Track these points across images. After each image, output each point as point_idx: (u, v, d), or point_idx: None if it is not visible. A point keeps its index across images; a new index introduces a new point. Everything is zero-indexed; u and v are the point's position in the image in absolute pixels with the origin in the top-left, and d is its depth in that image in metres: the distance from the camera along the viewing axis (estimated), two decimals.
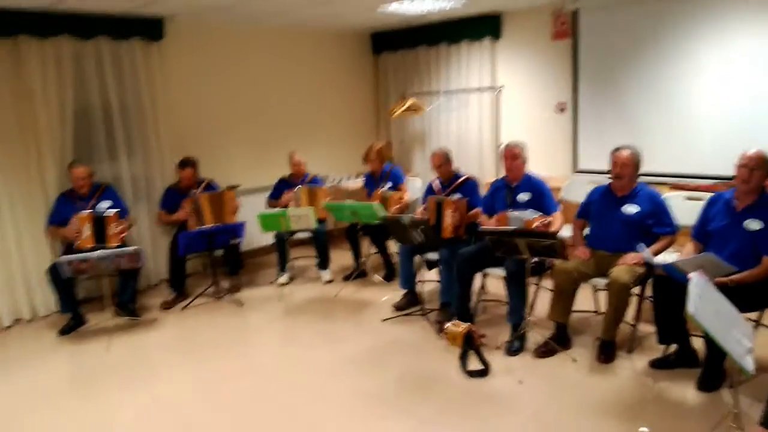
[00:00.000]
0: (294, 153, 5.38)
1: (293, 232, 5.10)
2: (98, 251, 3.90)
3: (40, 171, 4.45)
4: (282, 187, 5.37)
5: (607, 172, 3.56)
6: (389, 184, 5.11)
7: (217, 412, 3.05)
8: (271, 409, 3.05)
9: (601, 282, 3.46)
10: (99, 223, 4.22)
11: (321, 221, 5.02)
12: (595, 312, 4.01)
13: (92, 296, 4.72)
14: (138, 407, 3.15)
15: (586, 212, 3.75)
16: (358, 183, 5.85)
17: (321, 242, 5.14)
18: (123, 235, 4.33)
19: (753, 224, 2.96)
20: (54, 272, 4.06)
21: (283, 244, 5.13)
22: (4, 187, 4.30)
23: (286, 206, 5.09)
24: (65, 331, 4.20)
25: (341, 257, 5.69)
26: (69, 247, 4.28)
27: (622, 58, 4.97)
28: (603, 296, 3.47)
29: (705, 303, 2.21)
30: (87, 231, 4.17)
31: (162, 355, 3.92)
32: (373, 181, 5.24)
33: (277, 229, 4.80)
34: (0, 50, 4.20)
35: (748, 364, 2.14)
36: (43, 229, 4.46)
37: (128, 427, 2.97)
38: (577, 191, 4.59)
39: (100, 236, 4.22)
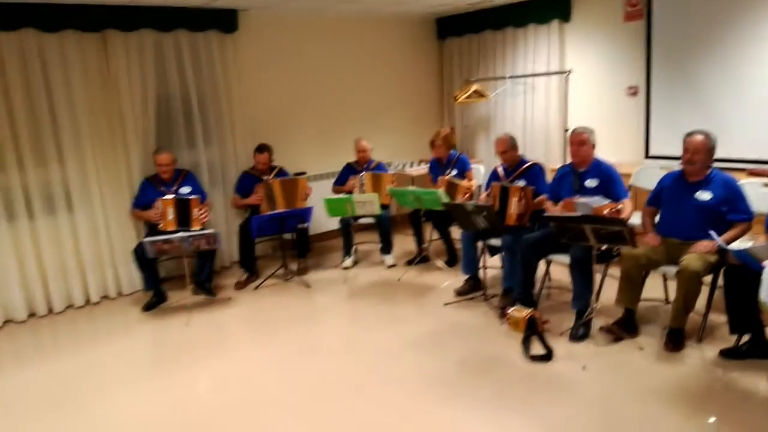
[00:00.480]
0: (360, 139, 5.50)
1: (358, 217, 5.24)
2: (179, 233, 4.18)
3: (126, 156, 4.79)
4: (347, 172, 5.52)
5: (680, 158, 3.45)
6: (455, 171, 5.13)
7: (287, 385, 3.23)
8: (337, 386, 3.20)
9: (671, 270, 3.38)
10: (183, 207, 4.50)
11: (385, 207, 5.11)
12: (664, 301, 3.91)
13: (172, 275, 5.06)
14: (214, 379, 3.38)
15: (657, 199, 3.65)
16: (422, 169, 5.91)
17: (384, 227, 5.25)
18: (205, 219, 4.60)
19: None
20: (139, 252, 4.38)
21: (348, 229, 5.27)
22: (94, 171, 4.64)
23: (351, 192, 5.23)
24: (148, 307, 4.52)
25: (404, 242, 5.79)
26: (152, 229, 4.59)
27: (698, 39, 4.75)
28: (673, 285, 3.39)
29: None
30: (170, 214, 4.46)
31: (236, 331, 4.16)
32: (438, 167, 5.27)
33: (343, 214, 4.94)
34: (89, 44, 4.52)
35: None
36: (127, 212, 4.80)
37: (205, 398, 3.20)
38: (648, 178, 4.48)
39: (184, 219, 4.49)
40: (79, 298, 4.69)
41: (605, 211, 3.41)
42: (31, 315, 4.52)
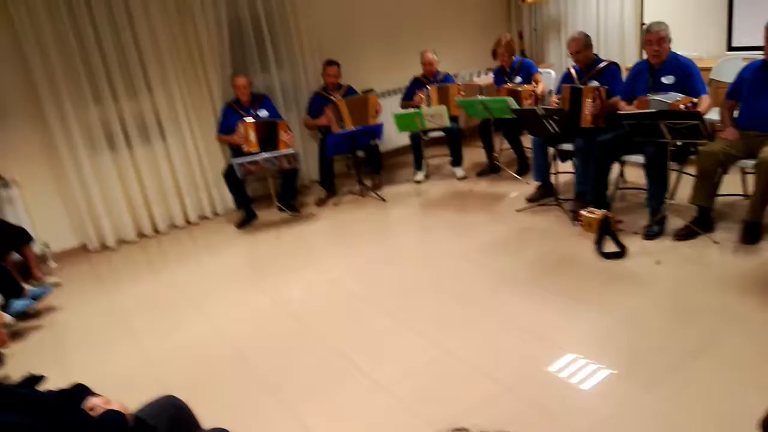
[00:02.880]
0: (425, 51, 5.49)
1: (427, 131, 5.34)
2: (264, 154, 4.48)
3: (207, 84, 5.08)
4: (414, 86, 5.57)
5: (764, 48, 3.29)
6: (519, 78, 5.08)
7: (372, 286, 3.54)
8: (417, 285, 3.48)
9: (749, 163, 3.33)
10: (270, 130, 4.77)
11: (454, 119, 5.18)
12: (743, 195, 3.86)
13: (259, 195, 5.44)
14: (306, 283, 3.75)
15: (737, 91, 3.54)
16: (489, 78, 5.86)
17: (454, 139, 5.34)
18: (291, 141, 4.87)
19: None
20: (229, 173, 4.74)
21: (419, 143, 5.41)
22: (180, 99, 4.97)
23: (418, 106, 5.31)
24: (241, 224, 4.94)
25: (474, 155, 5.87)
26: (236, 152, 4.92)
27: None
28: (751, 180, 3.35)
29: None
30: (251, 136, 4.75)
31: (322, 243, 4.50)
32: (502, 76, 5.23)
33: (413, 129, 5.06)
34: None
35: None
36: (214, 137, 5.15)
37: (299, 298, 3.58)
38: (729, 71, 4.27)
39: (271, 141, 4.77)
40: (180, 218, 5.18)
41: (681, 106, 3.35)
42: (141, 235, 5.06)
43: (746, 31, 4.77)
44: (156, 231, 5.10)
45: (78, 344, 3.37)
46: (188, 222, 5.25)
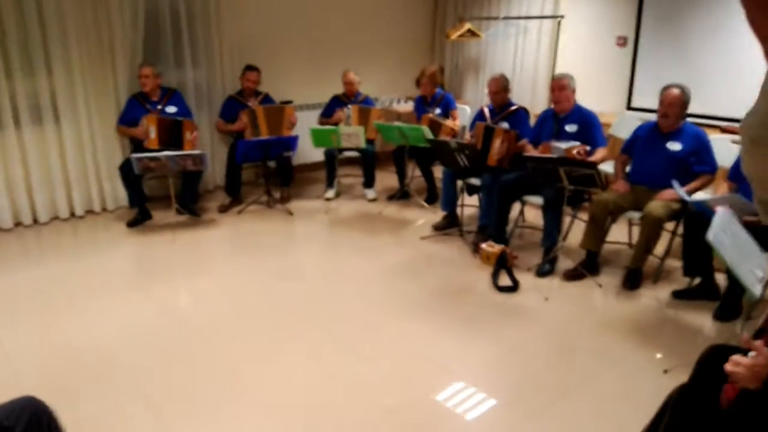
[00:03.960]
0: (348, 71, 5.51)
1: (342, 150, 5.32)
2: (166, 152, 4.24)
3: (113, 72, 4.76)
4: (334, 104, 5.55)
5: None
6: (438, 110, 5.21)
7: (265, 302, 3.41)
8: (315, 302, 3.39)
9: (636, 215, 3.58)
10: (175, 128, 4.53)
11: (370, 141, 5.20)
12: (627, 244, 4.15)
13: (157, 195, 5.14)
14: (197, 293, 3.55)
15: (630, 147, 3.82)
16: (408, 106, 5.97)
17: (368, 161, 5.36)
18: (196, 142, 4.64)
19: None
20: (125, 168, 4.44)
21: (333, 161, 5.37)
22: (81, 83, 4.61)
23: (337, 124, 5.29)
24: (133, 223, 4.62)
25: (387, 179, 5.92)
26: (137, 146, 4.63)
27: None
28: (637, 230, 3.60)
29: (725, 233, 2.34)
30: (153, 132, 4.49)
31: (219, 251, 4.30)
32: (423, 105, 5.34)
33: (328, 146, 5.02)
34: None
35: (757, 290, 2.29)
36: (113, 128, 4.82)
37: (186, 309, 3.37)
38: (626, 128, 4.61)
39: (175, 139, 4.53)
40: (64, 210, 4.76)
41: (574, 152, 3.56)
42: (17, 224, 4.60)
43: (644, 93, 5.20)
44: (35, 221, 4.66)
45: None
46: (73, 215, 4.84)
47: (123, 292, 3.51)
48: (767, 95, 0.17)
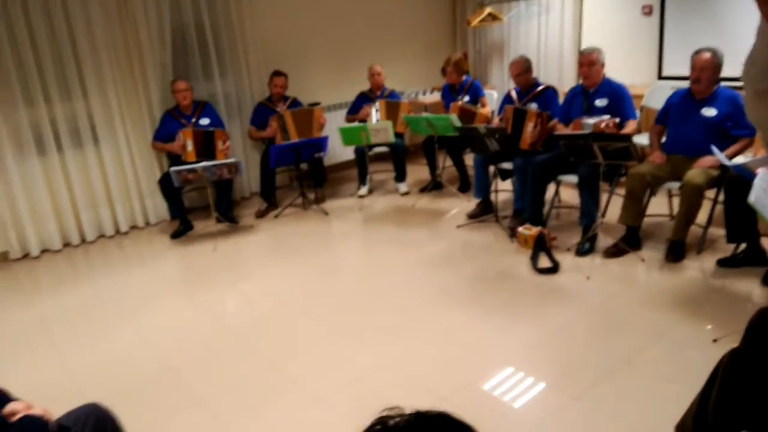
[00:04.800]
0: (373, 65, 5.54)
1: (372, 146, 5.36)
2: (202, 162, 4.36)
3: (146, 89, 4.91)
4: (361, 101, 5.59)
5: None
6: (467, 98, 5.18)
7: (309, 300, 3.48)
8: (357, 296, 3.44)
9: (675, 185, 3.50)
10: (207, 139, 4.66)
11: (399, 135, 5.22)
12: (669, 216, 4.05)
13: (195, 206, 5.29)
14: (243, 296, 3.65)
15: (664, 117, 3.73)
16: (435, 97, 5.96)
17: (398, 156, 5.37)
18: (228, 150, 4.76)
19: None
20: (164, 182, 4.58)
21: (363, 158, 5.41)
22: (116, 104, 4.78)
23: (364, 120, 5.33)
24: (176, 235, 4.77)
25: (418, 171, 5.93)
26: (174, 160, 4.77)
27: None
28: (677, 201, 3.52)
29: None
30: (189, 146, 4.62)
31: (260, 255, 4.40)
32: (450, 94, 5.32)
33: (358, 143, 5.06)
34: None
35: None
36: (149, 144, 4.97)
37: (234, 312, 3.47)
38: (659, 98, 4.49)
39: (208, 150, 4.66)
40: (109, 227, 4.95)
41: (602, 125, 3.50)
42: (66, 244, 4.80)
43: (675, 62, 5.05)
44: (83, 240, 4.85)
45: None
46: (118, 231, 5.02)
47: (171, 301, 3.64)
48: (763, 44, 0.17)
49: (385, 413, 0.86)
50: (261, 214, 5.16)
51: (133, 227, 5.12)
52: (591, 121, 3.60)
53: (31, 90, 4.38)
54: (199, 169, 4.29)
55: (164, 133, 4.83)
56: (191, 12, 5.04)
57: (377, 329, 3.03)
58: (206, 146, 4.66)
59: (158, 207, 5.11)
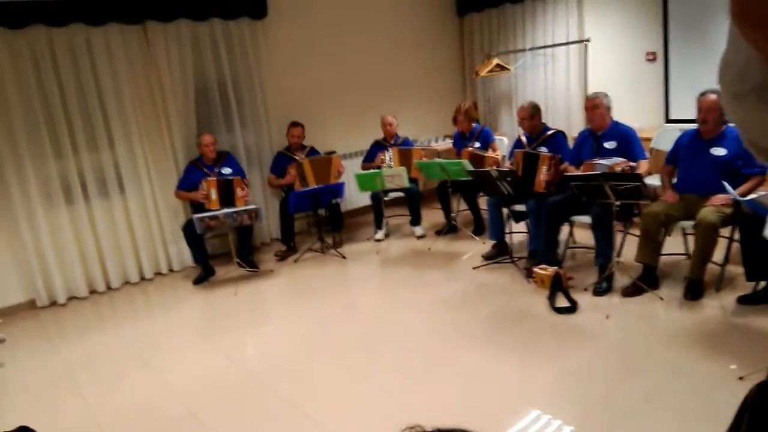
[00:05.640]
0: (385, 115, 5.73)
1: (388, 192, 5.49)
2: (224, 209, 4.50)
3: (171, 140, 5.13)
4: (375, 149, 5.76)
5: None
6: (478, 144, 5.33)
7: (330, 340, 3.53)
8: (376, 339, 3.48)
9: (689, 224, 3.55)
10: (227, 187, 4.82)
11: (413, 181, 5.35)
12: (685, 255, 4.08)
13: (217, 253, 5.41)
14: (266, 338, 3.71)
15: (674, 157, 3.82)
16: (447, 144, 6.12)
17: (413, 200, 5.49)
18: (247, 197, 4.92)
19: None
20: (188, 228, 4.72)
21: (379, 203, 5.53)
22: (141, 155, 4.99)
23: (379, 167, 5.48)
24: (198, 281, 4.87)
25: (433, 215, 6.03)
26: (197, 208, 4.92)
27: (712, 2, 4.84)
28: (692, 240, 3.57)
29: None
30: (214, 194, 4.78)
31: (281, 298, 4.48)
32: (462, 141, 5.48)
33: (373, 189, 5.19)
34: (131, 35, 4.86)
35: None
36: (173, 193, 5.14)
37: (258, 354, 3.52)
38: (667, 140, 4.59)
39: (228, 198, 4.82)
40: (134, 274, 5.07)
41: (618, 168, 3.59)
42: (92, 292, 4.91)
43: (681, 106, 5.19)
44: (108, 287, 4.97)
45: (20, 400, 3.20)
46: (143, 278, 5.14)
47: (194, 346, 3.70)
48: (735, 47, 0.22)
49: (406, 431, 0.92)
50: (281, 258, 5.26)
51: (158, 273, 5.24)
52: (606, 162, 3.69)
53: (60, 143, 4.61)
54: (221, 216, 4.43)
55: (188, 182, 5.00)
56: (213, 67, 5.30)
57: (397, 371, 3.07)
58: (226, 194, 4.82)
59: (182, 254, 5.24)
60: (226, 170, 5.06)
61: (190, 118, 5.20)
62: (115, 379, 3.35)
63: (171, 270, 5.29)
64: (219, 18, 5.22)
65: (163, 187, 5.13)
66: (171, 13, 4.94)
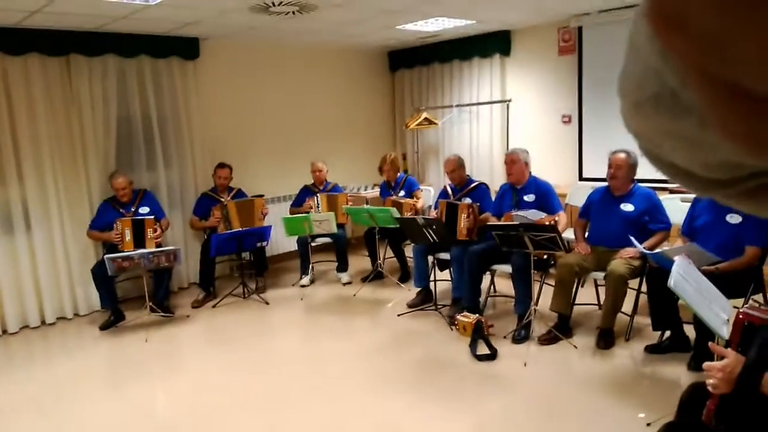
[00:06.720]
0: (315, 161, 5.75)
1: (315, 237, 5.44)
2: (139, 250, 4.28)
3: (87, 177, 4.87)
4: (304, 194, 5.74)
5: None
6: (403, 192, 5.44)
7: (247, 392, 3.37)
8: (296, 389, 3.36)
9: (600, 275, 3.74)
10: (138, 227, 4.61)
11: (341, 226, 5.35)
12: (597, 305, 4.27)
13: (129, 296, 5.10)
14: (175, 390, 3.49)
15: (587, 212, 4.04)
16: (375, 192, 6.20)
17: (340, 246, 5.47)
18: (159, 239, 4.70)
19: (734, 218, 3.25)
20: (97, 270, 4.44)
21: (306, 248, 5.46)
22: (53, 190, 4.69)
23: (307, 212, 5.45)
24: (106, 326, 4.54)
25: (359, 262, 6.02)
26: (110, 249, 4.65)
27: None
28: (604, 291, 3.74)
29: (686, 280, 2.49)
30: (128, 235, 4.55)
31: (196, 346, 4.25)
32: (387, 190, 5.58)
33: (301, 233, 5.14)
34: (53, 67, 4.64)
35: (724, 332, 2.40)
36: (85, 233, 4.85)
37: (166, 408, 3.30)
38: (581, 197, 4.86)
39: (139, 239, 4.60)
40: (35, 318, 4.67)
41: (546, 222, 3.76)
42: None
43: (593, 164, 5.53)
44: (4, 331, 4.55)
45: None
46: (44, 322, 4.74)
47: (95, 396, 3.42)
48: (633, 58, 0.24)
49: None
50: (198, 304, 5.03)
51: (61, 318, 4.86)
52: (532, 217, 3.85)
53: None
54: (136, 257, 4.21)
55: (101, 222, 4.73)
56: (139, 103, 5.14)
57: (317, 424, 2.96)
58: (137, 234, 4.60)
59: (89, 297, 4.89)
60: (144, 209, 4.84)
61: (110, 155, 4.98)
62: (5, 431, 3.02)
63: (76, 314, 4.92)
64: (149, 55, 5.12)
65: (74, 225, 4.82)
66: (98, 47, 4.78)
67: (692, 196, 4.07)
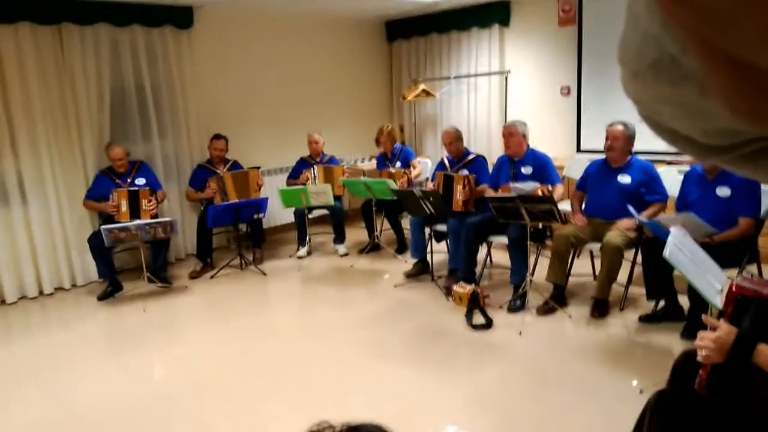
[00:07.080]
0: (312, 133, 5.71)
1: (312, 209, 5.44)
2: (136, 221, 4.27)
3: (81, 148, 4.83)
4: (301, 166, 5.72)
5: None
6: (399, 164, 5.43)
7: (245, 361, 3.40)
8: (293, 357, 3.40)
9: (596, 246, 3.75)
10: (134, 198, 4.59)
11: (338, 198, 5.34)
12: (592, 276, 4.30)
13: (127, 267, 5.11)
14: (173, 359, 3.52)
15: (584, 183, 4.04)
16: (372, 164, 6.18)
17: (337, 218, 5.48)
18: (153, 210, 4.69)
19: (723, 190, 3.26)
20: (94, 240, 4.44)
21: (303, 220, 5.46)
22: (48, 162, 4.66)
23: (304, 184, 5.43)
24: (103, 296, 4.56)
25: (357, 234, 6.03)
26: (106, 220, 4.65)
27: None
28: (599, 262, 3.76)
29: (681, 251, 2.50)
30: (125, 206, 4.53)
31: (193, 317, 4.28)
32: (384, 162, 5.56)
33: (298, 205, 5.13)
34: (45, 37, 4.56)
35: (717, 302, 2.43)
36: (81, 203, 4.83)
37: (164, 377, 3.34)
38: (578, 169, 4.85)
39: (135, 210, 4.59)
40: (33, 288, 4.69)
41: (539, 192, 3.76)
42: None
43: (591, 137, 5.52)
44: (2, 301, 4.56)
45: None
46: (42, 293, 4.76)
47: (93, 366, 3.45)
48: (633, 25, 0.23)
49: (314, 428, 0.86)
50: (195, 275, 5.05)
51: (59, 288, 4.87)
52: (527, 187, 3.85)
53: None
54: (133, 228, 4.21)
55: (98, 192, 4.71)
56: (132, 74, 5.08)
57: (314, 390, 3.00)
58: (132, 206, 4.59)
59: (87, 268, 4.90)
60: (140, 180, 4.82)
61: (104, 126, 4.93)
62: (3, 402, 3.05)
63: (74, 285, 4.93)
64: (142, 24, 5.03)
65: (70, 196, 4.80)
66: (90, 16, 4.69)
67: (688, 168, 4.07)
